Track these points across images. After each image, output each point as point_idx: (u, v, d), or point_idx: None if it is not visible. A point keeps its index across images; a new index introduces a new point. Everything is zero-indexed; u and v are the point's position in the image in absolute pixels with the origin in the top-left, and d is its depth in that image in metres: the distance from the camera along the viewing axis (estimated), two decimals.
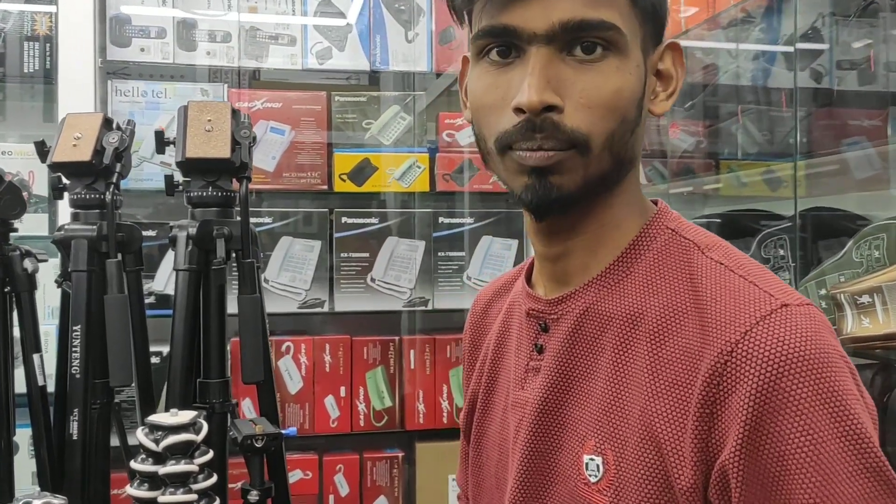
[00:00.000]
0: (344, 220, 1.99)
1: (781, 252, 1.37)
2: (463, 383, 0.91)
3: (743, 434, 0.55)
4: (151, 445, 1.07)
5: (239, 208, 1.24)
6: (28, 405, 1.23)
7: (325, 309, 1.96)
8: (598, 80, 0.62)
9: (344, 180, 1.99)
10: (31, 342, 1.22)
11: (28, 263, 1.22)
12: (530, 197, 0.64)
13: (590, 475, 0.63)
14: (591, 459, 0.63)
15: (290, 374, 1.95)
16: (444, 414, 2.01)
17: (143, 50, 1.93)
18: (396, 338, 2.00)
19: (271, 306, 1.92)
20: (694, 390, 0.58)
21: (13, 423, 1.25)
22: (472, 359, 0.88)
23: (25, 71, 1.89)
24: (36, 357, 1.22)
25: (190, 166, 1.24)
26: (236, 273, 1.24)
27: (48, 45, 1.89)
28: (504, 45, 0.64)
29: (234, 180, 1.28)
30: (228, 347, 1.33)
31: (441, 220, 2.05)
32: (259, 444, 1.14)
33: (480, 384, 0.82)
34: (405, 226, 2.02)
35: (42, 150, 1.23)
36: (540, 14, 0.61)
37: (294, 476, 1.92)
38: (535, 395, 0.69)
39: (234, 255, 1.26)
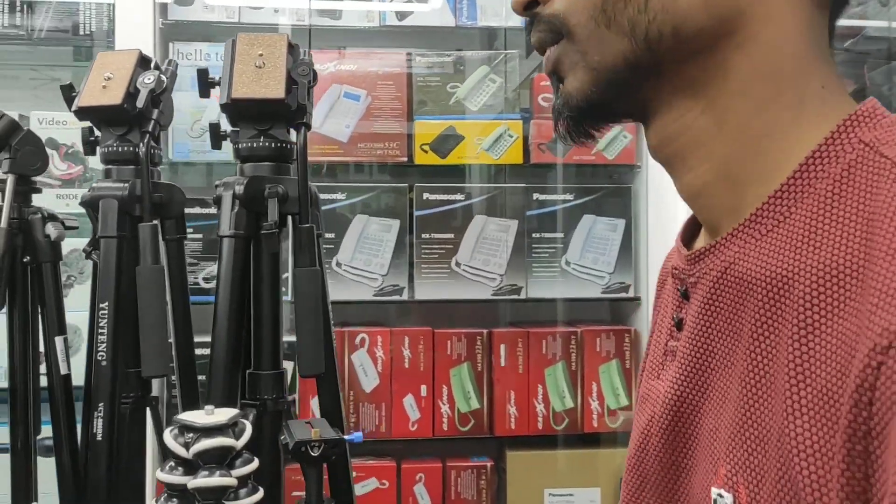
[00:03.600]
0: (426, 196, 1.80)
1: None
2: None
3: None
4: (181, 451, 0.85)
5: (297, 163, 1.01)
6: (49, 398, 1.04)
7: (404, 297, 1.79)
8: None
9: (426, 151, 1.80)
10: (54, 322, 1.04)
11: (51, 228, 1.03)
12: (553, 118, 0.52)
13: None
14: (720, 496, 0.45)
15: (365, 369, 1.77)
16: (539, 418, 1.80)
17: (206, 8, 1.76)
18: (485, 331, 1.80)
19: (344, 293, 1.76)
20: (843, 406, 0.38)
21: (38, 418, 1.07)
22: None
23: (82, 33, 1.76)
24: (59, 340, 1.03)
25: (237, 110, 1.02)
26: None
27: (108, 4, 1.75)
28: None
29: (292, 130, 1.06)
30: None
31: (536, 196, 1.83)
32: (315, 453, 0.91)
33: (644, 366, 0.63)
34: (495, 203, 1.82)
35: (69, 95, 1.04)
36: None
37: (369, 485, 1.74)
38: (666, 391, 0.52)
39: (290, 219, 1.04)
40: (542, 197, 1.83)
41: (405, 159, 1.80)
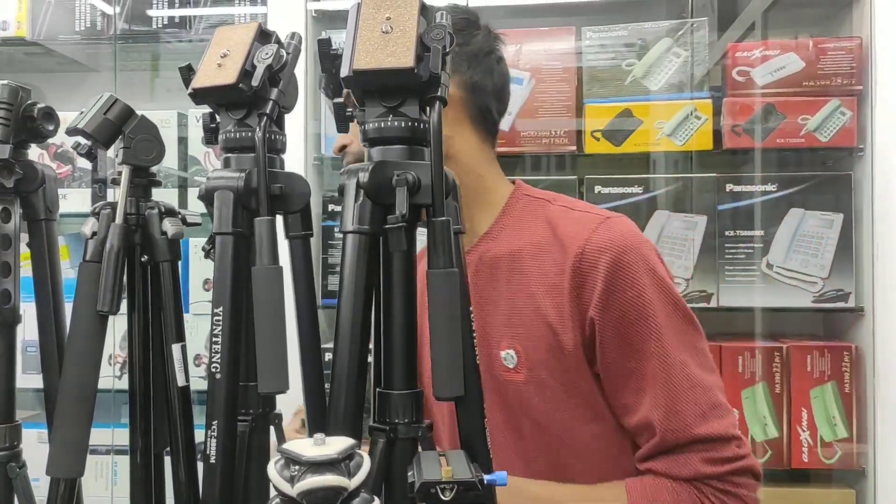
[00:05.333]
0: (598, 189, 1.62)
1: None
2: None
3: (600, 294, 0.97)
4: (285, 487, 0.72)
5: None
6: (166, 413, 0.95)
7: None
8: None
9: (597, 139, 1.61)
10: (172, 328, 0.94)
11: (168, 225, 0.94)
12: None
13: (507, 364, 1.02)
14: (507, 353, 1.02)
15: None
16: None
17: None
18: None
19: None
20: (565, 281, 0.98)
21: (164, 431, 0.98)
22: None
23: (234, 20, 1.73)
24: (176, 348, 0.94)
25: (360, 84, 0.88)
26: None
27: None
28: None
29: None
30: None
31: (730, 187, 1.59)
32: (447, 497, 0.74)
33: None
34: (679, 196, 1.60)
35: (188, 76, 0.94)
36: None
37: None
38: None
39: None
40: (737, 188, 1.58)
41: (574, 148, 1.63)
